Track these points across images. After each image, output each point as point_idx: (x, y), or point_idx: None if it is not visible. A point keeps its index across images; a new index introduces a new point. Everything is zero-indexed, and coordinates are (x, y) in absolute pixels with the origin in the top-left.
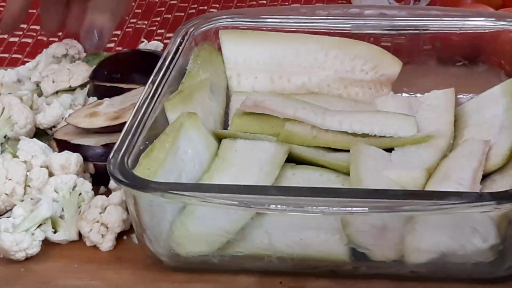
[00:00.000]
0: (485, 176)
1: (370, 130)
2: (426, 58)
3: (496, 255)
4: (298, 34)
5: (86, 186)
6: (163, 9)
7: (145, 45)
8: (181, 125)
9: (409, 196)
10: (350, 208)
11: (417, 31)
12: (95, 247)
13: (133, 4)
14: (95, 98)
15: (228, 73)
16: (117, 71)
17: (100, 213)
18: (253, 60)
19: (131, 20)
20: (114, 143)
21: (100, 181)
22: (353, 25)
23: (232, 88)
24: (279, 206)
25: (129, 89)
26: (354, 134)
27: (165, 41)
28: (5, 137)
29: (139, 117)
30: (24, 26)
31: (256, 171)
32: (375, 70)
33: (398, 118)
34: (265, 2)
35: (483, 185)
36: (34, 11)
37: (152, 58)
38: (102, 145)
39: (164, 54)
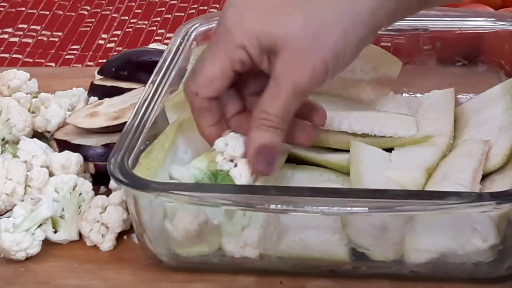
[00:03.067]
0: (485, 176)
1: (370, 130)
2: (426, 58)
3: (496, 255)
4: None
5: (86, 186)
6: (163, 9)
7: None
8: (181, 125)
9: (409, 196)
10: (350, 208)
11: (417, 31)
12: (95, 247)
13: (133, 4)
14: (95, 98)
15: None
16: (124, 69)
17: (100, 213)
18: None
19: (131, 20)
20: (114, 143)
21: (100, 181)
22: None
23: None
24: (279, 206)
25: (129, 89)
26: (354, 134)
27: (165, 41)
28: (3, 139)
29: (139, 117)
30: (25, 26)
31: None
32: (375, 70)
33: (398, 118)
34: None
35: (483, 185)
36: (34, 11)
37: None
38: (102, 145)
39: (164, 54)
